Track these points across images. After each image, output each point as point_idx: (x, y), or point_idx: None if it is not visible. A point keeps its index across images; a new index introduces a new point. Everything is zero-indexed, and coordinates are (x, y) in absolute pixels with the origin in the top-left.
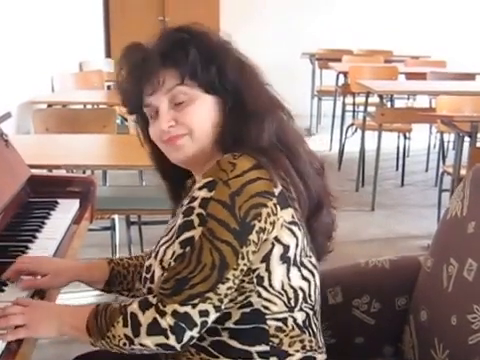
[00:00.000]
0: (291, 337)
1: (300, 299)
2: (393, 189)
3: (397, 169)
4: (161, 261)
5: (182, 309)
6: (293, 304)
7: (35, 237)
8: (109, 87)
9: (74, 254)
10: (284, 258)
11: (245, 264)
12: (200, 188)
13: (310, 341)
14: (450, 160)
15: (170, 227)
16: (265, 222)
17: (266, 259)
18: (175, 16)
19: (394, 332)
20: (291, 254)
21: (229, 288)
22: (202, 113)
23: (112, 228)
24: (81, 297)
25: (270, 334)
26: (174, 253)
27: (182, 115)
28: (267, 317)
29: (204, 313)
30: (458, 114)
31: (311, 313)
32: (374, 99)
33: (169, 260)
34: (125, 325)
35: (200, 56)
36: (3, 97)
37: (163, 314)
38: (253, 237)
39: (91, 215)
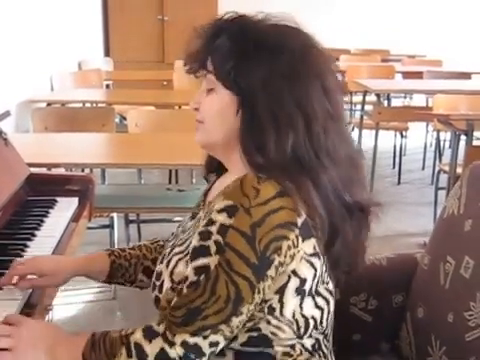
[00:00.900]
0: None
1: (311, 327)
2: (390, 187)
3: (394, 167)
4: (172, 272)
5: (192, 340)
6: (302, 332)
7: (34, 235)
8: (108, 86)
9: (73, 252)
10: (299, 291)
11: (260, 297)
12: (220, 211)
13: None
14: (446, 158)
15: (185, 238)
16: (285, 256)
17: (280, 291)
18: (174, 15)
19: (391, 329)
20: (307, 287)
21: (242, 320)
22: (215, 107)
23: (111, 226)
24: (78, 294)
25: (277, 359)
26: (187, 278)
27: (203, 102)
28: (274, 343)
29: (214, 344)
30: (454, 113)
31: (321, 337)
32: (371, 98)
33: (181, 274)
34: (129, 356)
35: (227, 45)
36: (2, 96)
37: (172, 344)
38: (271, 272)
39: (90, 213)
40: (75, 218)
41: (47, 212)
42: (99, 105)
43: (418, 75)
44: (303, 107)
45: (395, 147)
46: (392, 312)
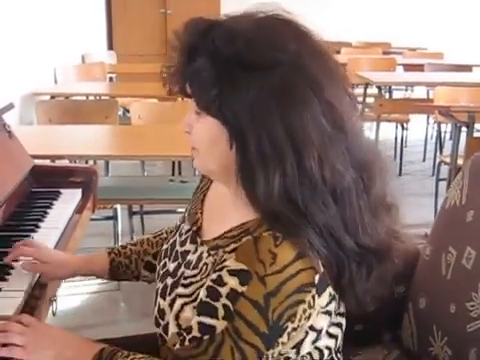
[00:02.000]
0: None
1: (325, 355)
2: (391, 179)
3: (395, 159)
4: (177, 316)
5: None
6: None
7: (38, 227)
8: (111, 79)
9: (76, 243)
10: (316, 340)
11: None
12: (231, 273)
13: None
14: (447, 150)
15: (189, 279)
16: (299, 320)
17: (297, 346)
18: (176, 8)
19: (393, 319)
20: (323, 333)
21: None
22: (205, 135)
23: (114, 218)
24: (82, 285)
25: None
26: (191, 329)
27: (194, 128)
28: None
29: None
30: (455, 105)
31: (334, 355)
32: (373, 90)
33: (187, 320)
34: None
35: (207, 69)
36: (6, 88)
37: None
38: (283, 339)
39: (93, 205)
40: (79, 210)
41: (51, 204)
42: (102, 98)
43: (419, 67)
44: (295, 134)
45: (396, 139)
46: (394, 303)
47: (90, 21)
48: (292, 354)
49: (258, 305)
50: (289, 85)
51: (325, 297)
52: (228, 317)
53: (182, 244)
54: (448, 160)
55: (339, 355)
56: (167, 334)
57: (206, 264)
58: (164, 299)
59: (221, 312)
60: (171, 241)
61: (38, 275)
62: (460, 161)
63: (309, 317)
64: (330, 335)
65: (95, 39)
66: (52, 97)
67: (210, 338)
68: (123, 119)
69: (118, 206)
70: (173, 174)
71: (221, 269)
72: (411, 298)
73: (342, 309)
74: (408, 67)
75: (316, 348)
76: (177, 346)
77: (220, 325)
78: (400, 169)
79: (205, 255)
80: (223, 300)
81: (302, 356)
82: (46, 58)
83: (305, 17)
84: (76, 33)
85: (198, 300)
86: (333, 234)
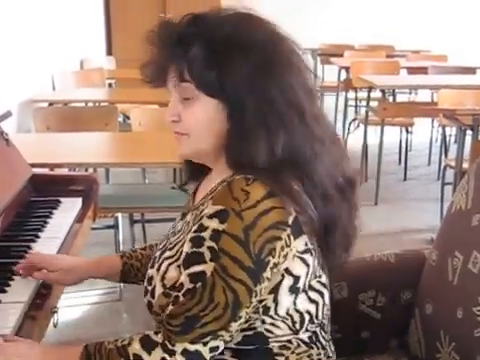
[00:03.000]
0: (298, 353)
1: (306, 322)
2: (396, 183)
3: (400, 163)
4: (163, 277)
5: (192, 347)
6: (298, 327)
7: (38, 237)
8: (110, 85)
9: (77, 253)
10: (293, 289)
11: (257, 300)
12: (210, 216)
13: (318, 354)
14: (452, 154)
15: (175, 242)
16: (278, 256)
17: (274, 291)
18: (176, 12)
19: (400, 326)
20: (301, 284)
21: (240, 324)
22: (201, 117)
23: (115, 226)
24: (84, 296)
25: (274, 353)
26: (182, 285)
27: (185, 114)
28: (270, 340)
29: (214, 349)
30: (460, 108)
31: (318, 329)
32: (376, 94)
33: (172, 279)
34: None
35: (203, 53)
36: (3, 96)
37: (172, 353)
38: (267, 274)
39: (94, 213)
40: (79, 219)
41: (51, 213)
42: (102, 104)
43: (423, 70)
44: (292, 100)
45: (401, 143)
46: (401, 309)
47: (89, 26)
48: (270, 302)
49: (239, 239)
50: (271, 58)
51: (301, 243)
52: (214, 257)
53: (173, 227)
54: (453, 164)
55: (325, 334)
56: (154, 297)
57: (188, 222)
58: (153, 267)
59: (207, 255)
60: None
61: (39, 285)
62: (465, 165)
63: (286, 257)
64: (310, 300)
65: (94, 44)
66: (50, 104)
67: (202, 284)
68: (123, 126)
69: (119, 215)
70: (175, 181)
71: (201, 218)
72: (418, 304)
73: (323, 279)
74: (412, 70)
75: (296, 310)
76: (170, 306)
77: (209, 268)
78: (405, 174)
79: (188, 216)
80: (207, 243)
81: (282, 317)
82: (44, 64)
83: (308, 21)
84: (74, 38)
85: (183, 255)
86: (331, 178)
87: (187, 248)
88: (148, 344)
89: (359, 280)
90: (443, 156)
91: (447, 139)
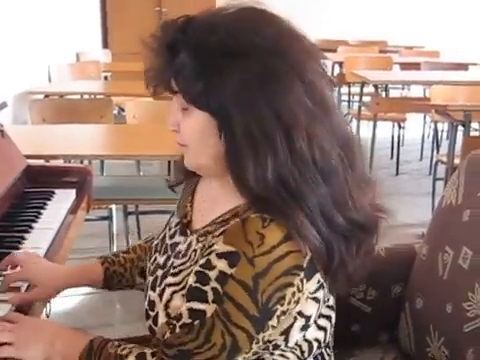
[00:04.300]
0: None
1: (314, 348)
2: (388, 178)
3: (392, 158)
4: (166, 306)
5: None
6: (306, 355)
7: (31, 227)
8: (106, 77)
9: (71, 244)
10: (305, 327)
11: (259, 346)
12: (220, 256)
13: None
14: (444, 149)
15: (179, 268)
16: (288, 304)
17: (286, 332)
18: (172, 6)
19: (390, 320)
20: (312, 321)
21: None
22: (196, 130)
23: (109, 218)
24: (76, 294)
25: None
26: (181, 316)
27: (182, 125)
28: None
29: None
30: (452, 103)
31: (324, 351)
32: (369, 89)
33: (176, 309)
34: None
35: (190, 63)
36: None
37: None
38: (273, 322)
39: (88, 205)
40: (73, 210)
41: (44, 204)
42: (97, 96)
43: (416, 66)
44: (282, 116)
45: (393, 138)
46: (391, 303)
47: (85, 19)
48: (281, 341)
49: (247, 287)
50: (271, 69)
51: (313, 282)
52: (217, 300)
53: (171, 237)
54: (445, 159)
55: (329, 351)
56: (157, 325)
57: (195, 250)
58: (154, 291)
59: (210, 296)
60: (161, 236)
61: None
62: (457, 160)
63: (298, 301)
64: (319, 327)
65: (90, 37)
66: (46, 96)
67: (200, 323)
68: (118, 118)
69: (113, 206)
70: (169, 174)
71: (210, 253)
72: (408, 298)
73: (331, 302)
74: (405, 66)
75: (305, 340)
76: (167, 334)
77: (210, 309)
78: (397, 168)
79: (194, 242)
80: (212, 283)
81: (291, 348)
82: (40, 56)
83: (302, 16)
84: (71, 31)
85: (187, 286)
86: (324, 213)
87: (191, 281)
88: None
89: None
90: (435, 151)
91: (439, 134)
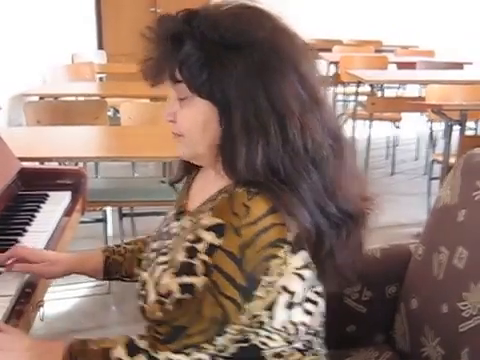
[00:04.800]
0: None
1: (301, 333)
2: (383, 178)
3: (387, 158)
4: (157, 284)
5: (176, 357)
6: (293, 339)
7: (25, 230)
8: (101, 79)
9: (65, 247)
10: (289, 304)
11: (247, 317)
12: (208, 229)
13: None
14: (440, 148)
15: (170, 247)
16: (273, 274)
17: (270, 307)
18: (167, 7)
19: (385, 320)
20: (296, 299)
21: (227, 339)
22: (193, 119)
23: (104, 220)
24: (72, 289)
25: None
26: (172, 292)
27: (180, 115)
28: (265, 351)
29: None
30: (447, 103)
31: (313, 338)
32: (365, 88)
33: (166, 287)
34: None
35: (196, 54)
36: None
37: None
38: (259, 292)
39: (82, 207)
40: (67, 212)
41: (39, 207)
42: (92, 98)
43: (411, 65)
44: (277, 106)
45: (388, 137)
46: (386, 303)
47: (80, 20)
48: (265, 318)
49: (234, 256)
50: (269, 60)
51: (299, 259)
52: (207, 272)
53: (166, 225)
54: (440, 159)
55: (320, 340)
56: (147, 303)
57: (185, 228)
58: (146, 271)
59: (200, 268)
60: (158, 227)
61: (25, 279)
62: (452, 160)
63: (282, 274)
64: (306, 311)
65: (85, 39)
66: (41, 98)
67: (191, 296)
68: (113, 120)
69: (108, 208)
70: (164, 175)
71: (198, 228)
72: (403, 298)
73: (320, 289)
74: (400, 65)
75: (291, 322)
76: (158, 313)
77: (199, 282)
78: (392, 168)
79: (186, 222)
80: (201, 256)
81: (277, 329)
82: (35, 58)
83: (297, 15)
84: (65, 32)
85: (176, 263)
86: (316, 200)
87: (181, 257)
88: (132, 349)
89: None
90: (431, 151)
91: (435, 134)
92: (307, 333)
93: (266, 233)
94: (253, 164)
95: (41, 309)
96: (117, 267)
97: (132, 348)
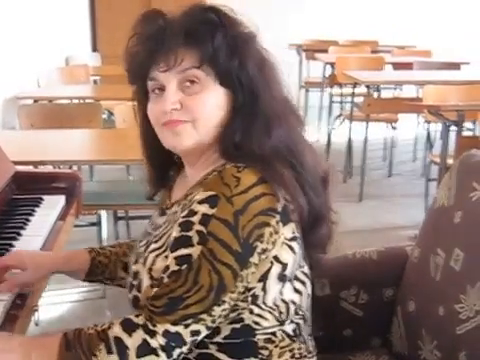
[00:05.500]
0: (281, 347)
1: (292, 312)
2: (381, 179)
3: (385, 159)
4: (150, 269)
5: (174, 329)
6: (284, 318)
7: (20, 234)
8: (95, 81)
9: (60, 251)
10: (281, 276)
11: (243, 286)
12: (201, 202)
13: (299, 349)
14: (437, 149)
15: (160, 234)
16: (267, 242)
17: (263, 278)
18: (162, 8)
19: (382, 323)
20: (288, 272)
21: (224, 309)
22: (211, 104)
23: (99, 223)
24: (66, 293)
25: (259, 346)
26: (168, 268)
27: (191, 100)
28: (257, 332)
29: (196, 333)
30: (444, 103)
31: (302, 322)
32: (361, 89)
33: (160, 270)
34: (110, 352)
35: (225, 43)
36: None
37: (153, 334)
38: (254, 259)
39: (77, 211)
40: (62, 216)
41: (33, 210)
42: (86, 101)
43: (408, 66)
44: (283, 94)
45: (385, 139)
46: (383, 306)
47: (73, 23)
48: (259, 291)
49: (228, 223)
50: (266, 53)
51: (289, 230)
52: (202, 241)
53: (152, 224)
54: (438, 160)
55: (308, 327)
56: (141, 291)
57: (175, 213)
58: (137, 263)
59: (195, 238)
60: (143, 230)
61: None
62: (450, 160)
63: (274, 244)
64: (295, 289)
65: (79, 41)
66: (35, 101)
67: (188, 267)
68: (108, 122)
69: (103, 212)
70: None
71: (191, 204)
72: (400, 301)
73: (306, 269)
74: (397, 66)
75: (283, 300)
76: (155, 289)
77: (196, 251)
78: (390, 170)
79: (174, 209)
80: (196, 227)
81: (270, 307)
82: (29, 61)
83: (292, 17)
84: (59, 35)
85: (170, 239)
86: (311, 179)
87: (175, 233)
88: (129, 326)
89: (341, 277)
90: (428, 152)
91: (432, 135)
92: (296, 313)
93: (257, 201)
94: (265, 144)
95: (36, 314)
96: (102, 268)
97: (129, 325)
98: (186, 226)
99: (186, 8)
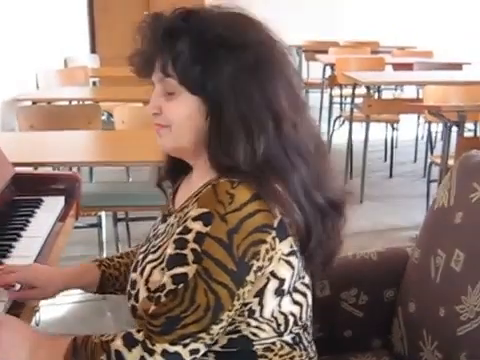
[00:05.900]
0: (280, 355)
1: (291, 324)
2: (382, 180)
3: (385, 160)
4: (147, 281)
5: (172, 349)
6: (283, 330)
7: (19, 236)
8: (94, 83)
9: (60, 252)
10: (278, 292)
11: (240, 303)
12: (195, 219)
13: (300, 355)
14: (438, 150)
15: (158, 245)
16: (263, 259)
17: (260, 294)
18: (160, 10)
19: (383, 324)
20: (286, 286)
21: (222, 327)
22: (181, 112)
23: (99, 225)
24: (67, 294)
25: (258, 355)
26: (165, 286)
27: (167, 107)
28: (255, 343)
29: (195, 351)
30: (445, 104)
31: (301, 331)
32: (361, 90)
33: (156, 283)
34: None
35: (190, 49)
36: None
37: (152, 352)
38: (250, 277)
39: (77, 212)
40: (62, 217)
41: (33, 212)
42: (85, 102)
43: (408, 66)
44: (272, 106)
45: (386, 140)
46: (383, 307)
47: (72, 24)
48: (256, 306)
49: (223, 242)
50: (263, 61)
51: (286, 245)
52: (197, 260)
53: (154, 229)
54: (439, 161)
55: (308, 336)
56: (138, 301)
57: (172, 225)
58: (135, 271)
59: (190, 257)
60: (147, 235)
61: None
62: (451, 161)
63: (271, 260)
64: (294, 301)
65: (78, 43)
66: (34, 103)
67: (184, 286)
68: (107, 124)
69: (103, 213)
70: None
71: (186, 220)
72: (400, 302)
73: (307, 280)
74: (397, 66)
75: (281, 313)
76: (152, 307)
77: (191, 270)
78: (391, 171)
79: (172, 219)
80: (191, 245)
81: (267, 319)
82: (28, 63)
83: (292, 18)
84: (58, 36)
85: (166, 256)
86: (305, 190)
87: (171, 250)
88: (130, 341)
89: (341, 278)
90: (429, 153)
91: (433, 135)
92: (296, 325)
93: (252, 218)
94: (253, 156)
95: (37, 314)
96: (113, 281)
97: (130, 340)
98: (181, 244)
99: (163, 13)
